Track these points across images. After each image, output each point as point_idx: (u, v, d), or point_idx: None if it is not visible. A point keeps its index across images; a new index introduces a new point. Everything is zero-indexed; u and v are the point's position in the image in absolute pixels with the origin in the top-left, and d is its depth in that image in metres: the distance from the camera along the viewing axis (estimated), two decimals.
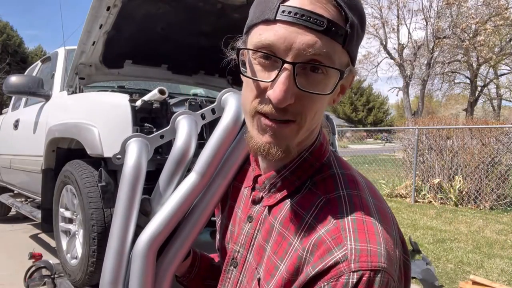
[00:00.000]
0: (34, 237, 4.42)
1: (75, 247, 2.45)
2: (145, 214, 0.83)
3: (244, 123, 0.76)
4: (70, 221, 2.54)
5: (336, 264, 0.51)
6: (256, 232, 0.67)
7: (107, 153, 2.06)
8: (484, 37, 14.65)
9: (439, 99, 26.72)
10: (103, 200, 2.07)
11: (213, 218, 0.85)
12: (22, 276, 2.56)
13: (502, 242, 4.20)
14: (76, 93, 2.73)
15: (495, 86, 21.23)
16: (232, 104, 0.86)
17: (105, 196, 2.05)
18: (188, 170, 0.86)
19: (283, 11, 0.51)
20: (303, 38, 0.50)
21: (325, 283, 0.51)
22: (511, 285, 3.01)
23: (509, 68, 19.00)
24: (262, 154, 0.57)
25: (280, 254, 0.59)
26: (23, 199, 4.21)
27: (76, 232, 2.44)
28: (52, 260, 2.70)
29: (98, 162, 2.15)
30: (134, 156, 0.84)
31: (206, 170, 0.81)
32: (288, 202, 0.62)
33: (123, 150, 0.88)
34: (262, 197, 0.68)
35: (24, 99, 3.96)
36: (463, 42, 15.49)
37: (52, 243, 3.77)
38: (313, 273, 0.52)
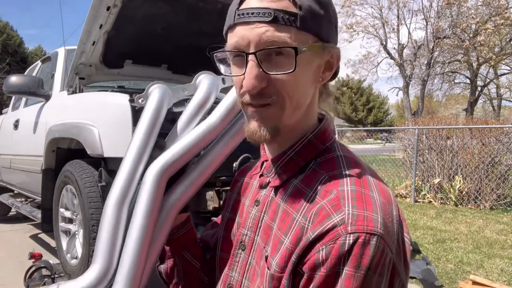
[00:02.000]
0: (34, 237, 4.42)
1: (75, 247, 2.45)
2: (160, 149, 0.85)
3: None
4: (70, 221, 2.54)
5: (333, 227, 0.54)
6: (262, 214, 0.70)
7: (107, 153, 2.06)
8: (484, 37, 14.65)
9: (439, 99, 26.72)
10: (103, 200, 2.07)
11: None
12: (22, 276, 2.55)
13: (502, 242, 4.20)
14: (76, 93, 2.73)
15: (495, 86, 21.24)
16: None
17: (105, 196, 2.05)
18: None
19: (238, 15, 0.60)
20: (256, 31, 0.58)
21: (323, 246, 0.54)
22: (511, 285, 3.01)
23: (509, 68, 19.00)
24: (254, 138, 0.64)
25: (284, 230, 0.62)
26: (23, 199, 4.20)
27: (76, 232, 2.45)
28: (52, 260, 2.70)
29: (98, 162, 2.15)
30: (157, 97, 0.89)
31: (226, 115, 0.84)
32: (292, 181, 0.66)
33: (146, 94, 0.91)
34: (269, 181, 0.71)
35: (24, 99, 3.96)
36: (463, 42, 15.49)
37: (52, 243, 3.77)
38: (313, 236, 0.56)
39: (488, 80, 20.03)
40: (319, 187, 0.62)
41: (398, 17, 17.81)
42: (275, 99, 0.61)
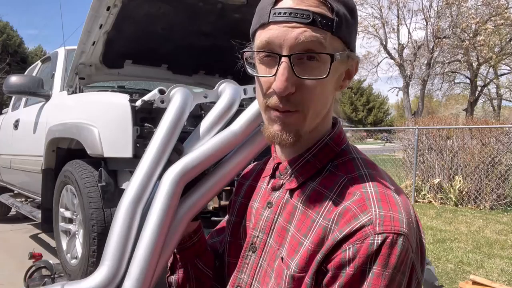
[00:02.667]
0: (34, 237, 4.42)
1: (75, 247, 2.45)
2: (178, 153, 0.85)
3: None
4: (70, 221, 2.54)
5: (362, 227, 0.55)
6: (276, 216, 0.69)
7: (107, 153, 2.06)
8: (484, 37, 14.63)
9: (439, 99, 26.70)
10: (103, 200, 2.07)
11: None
12: (22, 276, 2.55)
13: (502, 242, 4.20)
14: (76, 93, 2.73)
15: (495, 86, 21.22)
16: None
17: (105, 196, 2.05)
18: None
19: (274, 14, 0.59)
20: (293, 32, 0.57)
21: (351, 245, 0.55)
22: (511, 285, 3.01)
23: (509, 68, 18.99)
24: (276, 141, 0.64)
25: (303, 231, 0.62)
26: (23, 199, 4.20)
27: (76, 232, 2.45)
28: (52, 260, 2.70)
29: (98, 162, 2.15)
30: (180, 100, 0.88)
31: (247, 127, 0.84)
32: (310, 184, 0.66)
33: (168, 96, 0.92)
34: (282, 184, 0.71)
35: (24, 99, 3.96)
36: (463, 42, 15.48)
37: (52, 243, 3.77)
38: (340, 237, 0.56)
39: (488, 80, 20.01)
40: (339, 189, 0.62)
41: (398, 17, 17.81)
42: (299, 107, 0.60)
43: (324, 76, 0.58)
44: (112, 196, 2.06)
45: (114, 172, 2.09)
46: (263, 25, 0.60)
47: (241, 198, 0.81)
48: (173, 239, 0.79)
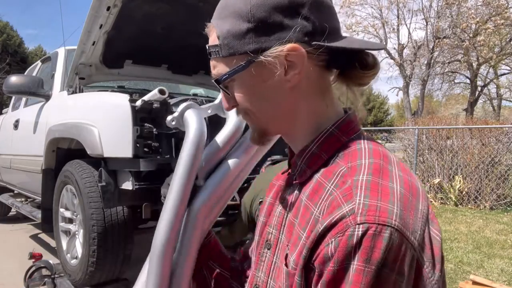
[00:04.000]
0: (34, 237, 4.42)
1: (75, 247, 2.45)
2: (198, 184, 0.86)
3: None
4: (70, 221, 2.54)
5: (342, 218, 0.51)
6: (287, 212, 0.68)
7: (107, 153, 2.06)
8: (484, 37, 14.64)
9: (439, 99, 26.70)
10: (103, 200, 2.07)
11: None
12: (22, 276, 2.56)
13: (502, 242, 4.20)
14: (76, 93, 2.73)
15: (495, 86, 21.22)
16: None
17: (105, 196, 2.05)
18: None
19: None
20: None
21: (333, 239, 0.50)
22: (511, 285, 3.01)
23: (509, 68, 18.99)
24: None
25: (302, 225, 0.60)
26: (23, 199, 4.20)
27: (76, 232, 2.45)
28: (52, 260, 2.70)
29: (98, 162, 2.15)
30: (197, 121, 0.88)
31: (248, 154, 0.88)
32: (315, 176, 0.64)
33: (181, 115, 0.91)
34: (294, 178, 0.69)
35: (24, 99, 3.96)
36: (463, 42, 15.49)
37: (52, 243, 3.77)
38: (321, 228, 0.52)
39: (488, 80, 20.01)
40: (337, 180, 0.58)
41: (398, 17, 17.81)
42: (244, 113, 0.67)
43: (230, 95, 0.66)
44: (112, 196, 2.06)
45: (114, 172, 2.09)
46: None
47: (270, 199, 0.80)
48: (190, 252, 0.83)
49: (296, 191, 0.67)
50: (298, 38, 0.58)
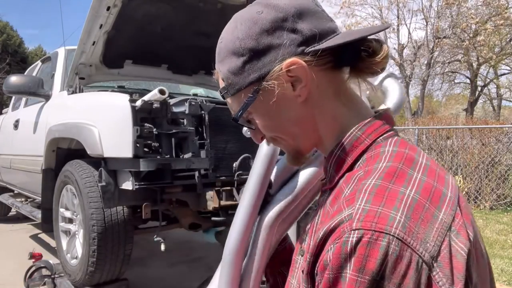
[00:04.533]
0: (34, 237, 4.42)
1: (75, 247, 2.45)
2: (268, 194, 0.87)
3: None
4: (70, 221, 2.54)
5: (340, 223, 0.48)
6: (317, 218, 0.67)
7: (107, 153, 2.06)
8: (484, 37, 14.63)
9: (439, 99, 26.69)
10: (103, 200, 2.07)
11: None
12: (22, 276, 2.56)
13: (502, 242, 4.20)
14: (76, 93, 2.73)
15: (495, 86, 21.22)
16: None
17: (105, 196, 2.05)
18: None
19: None
20: None
21: (331, 246, 0.48)
22: (511, 285, 3.01)
23: (509, 68, 18.98)
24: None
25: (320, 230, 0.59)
26: (23, 199, 4.21)
27: (76, 232, 2.45)
28: (52, 260, 2.70)
29: (98, 162, 2.15)
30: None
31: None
32: (340, 181, 0.62)
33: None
34: (325, 183, 0.69)
35: (24, 99, 3.96)
36: (463, 42, 15.48)
37: (52, 243, 3.77)
38: (321, 234, 0.51)
39: (488, 80, 20.00)
40: (353, 184, 0.56)
41: (398, 17, 17.80)
42: (273, 140, 0.69)
43: (253, 128, 0.68)
44: (112, 196, 2.06)
45: (114, 172, 2.09)
46: None
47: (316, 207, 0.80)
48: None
49: (325, 197, 0.66)
50: (292, 52, 0.58)
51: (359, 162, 0.60)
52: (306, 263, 0.54)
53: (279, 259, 0.86)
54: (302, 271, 0.58)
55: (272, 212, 0.82)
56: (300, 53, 0.58)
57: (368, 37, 0.60)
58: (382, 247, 0.44)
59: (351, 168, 0.61)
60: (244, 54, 0.60)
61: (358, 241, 0.45)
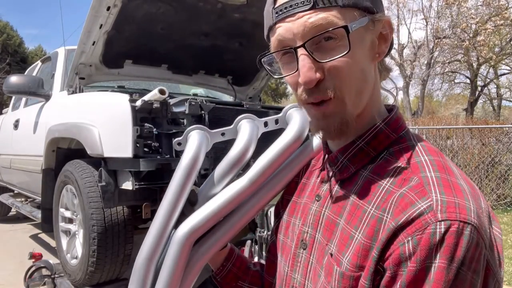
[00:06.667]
0: (34, 237, 4.42)
1: (75, 247, 2.45)
2: (191, 204, 0.83)
3: (305, 139, 0.83)
4: (70, 221, 2.54)
5: (420, 215, 0.49)
6: (324, 209, 0.65)
7: (107, 153, 2.06)
8: (484, 37, 14.63)
9: (439, 99, 26.69)
10: (103, 200, 2.07)
11: None
12: (22, 276, 2.56)
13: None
14: (76, 93, 2.73)
15: (495, 86, 21.22)
16: (296, 120, 0.85)
17: (105, 196, 2.05)
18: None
19: (276, 13, 0.58)
20: (298, 22, 0.56)
21: (409, 237, 0.48)
22: (511, 285, 3.01)
23: (509, 68, 18.99)
24: (323, 136, 0.62)
25: (354, 223, 0.57)
26: (23, 199, 4.21)
27: (76, 232, 2.45)
28: (52, 260, 2.70)
29: (98, 162, 2.15)
30: (194, 146, 0.85)
31: (258, 179, 0.81)
32: (362, 172, 0.61)
33: (185, 138, 0.88)
34: (333, 174, 0.67)
35: (24, 99, 3.96)
36: (463, 42, 15.48)
37: (52, 243, 3.77)
38: (395, 227, 0.50)
39: (488, 80, 20.01)
40: (394, 177, 0.56)
41: (398, 17, 17.81)
42: (332, 93, 0.57)
43: (346, 51, 0.54)
44: (112, 196, 2.06)
45: (114, 172, 2.09)
46: (271, 28, 0.61)
47: (292, 197, 0.78)
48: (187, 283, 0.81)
49: (336, 188, 0.65)
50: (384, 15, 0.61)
51: (383, 155, 0.61)
52: (372, 260, 0.52)
53: (232, 276, 0.84)
54: (338, 265, 0.56)
55: (184, 227, 0.78)
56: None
57: None
58: (466, 235, 0.47)
59: (372, 160, 0.61)
60: None
61: (446, 230, 0.47)
